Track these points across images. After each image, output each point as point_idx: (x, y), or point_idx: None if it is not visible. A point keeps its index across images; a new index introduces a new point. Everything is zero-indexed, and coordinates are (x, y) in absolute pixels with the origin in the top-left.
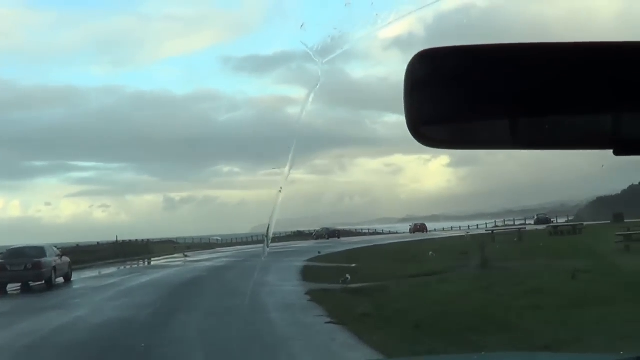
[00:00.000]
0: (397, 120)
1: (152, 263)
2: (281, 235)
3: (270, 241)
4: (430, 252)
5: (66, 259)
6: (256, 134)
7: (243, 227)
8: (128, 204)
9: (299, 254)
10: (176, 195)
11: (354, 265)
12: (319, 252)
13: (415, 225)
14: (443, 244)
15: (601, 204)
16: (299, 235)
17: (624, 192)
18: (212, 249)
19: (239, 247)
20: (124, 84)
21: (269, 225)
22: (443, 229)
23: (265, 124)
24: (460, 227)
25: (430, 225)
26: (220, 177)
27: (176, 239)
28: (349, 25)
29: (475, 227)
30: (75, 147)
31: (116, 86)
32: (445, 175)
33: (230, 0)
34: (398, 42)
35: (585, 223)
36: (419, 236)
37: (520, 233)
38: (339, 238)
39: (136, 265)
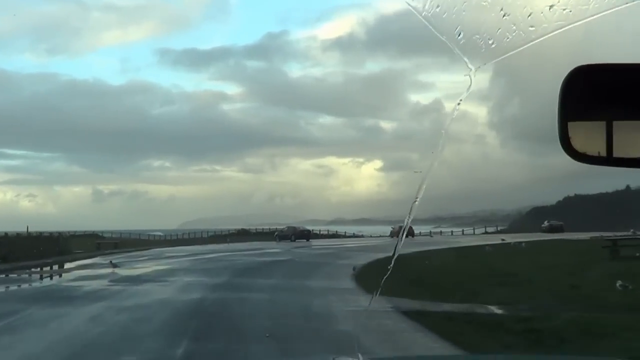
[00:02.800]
0: (332, 122)
1: (55, 278)
2: (223, 234)
3: (403, 239)
4: (619, 283)
5: None
6: (189, 129)
7: (171, 223)
8: (56, 194)
9: (313, 268)
10: (105, 188)
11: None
12: (354, 269)
13: (400, 227)
14: (534, 258)
15: (537, 214)
16: (246, 234)
17: (559, 202)
18: (147, 247)
19: (184, 249)
20: (58, 72)
21: (406, 220)
22: (420, 232)
23: (199, 119)
24: (440, 232)
25: (359, 229)
26: (151, 171)
27: (102, 232)
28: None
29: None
30: (4, 134)
31: (50, 74)
32: (377, 179)
33: None
34: (339, 44)
35: None
36: (423, 242)
37: None
38: (308, 240)
39: (19, 284)
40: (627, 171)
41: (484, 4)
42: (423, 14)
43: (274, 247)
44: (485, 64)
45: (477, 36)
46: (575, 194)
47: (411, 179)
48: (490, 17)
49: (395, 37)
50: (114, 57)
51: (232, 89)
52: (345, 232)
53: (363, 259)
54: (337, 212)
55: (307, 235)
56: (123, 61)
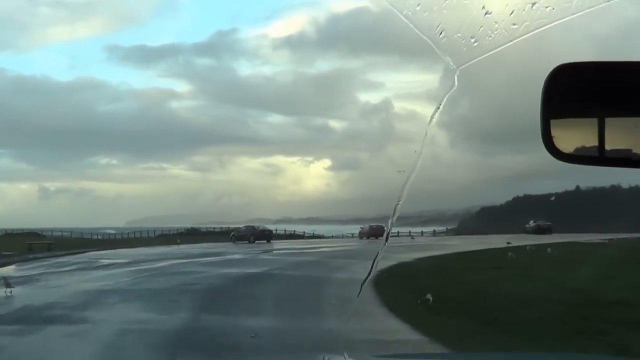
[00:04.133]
0: (281, 120)
1: None
2: (172, 233)
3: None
4: None
5: None
6: (138, 126)
7: (118, 221)
8: (2, 192)
9: (311, 289)
10: (52, 185)
11: None
12: (430, 299)
13: (370, 227)
14: (600, 271)
15: (486, 214)
16: (196, 234)
17: (508, 202)
18: (84, 250)
19: (128, 252)
20: (5, 67)
21: (390, 221)
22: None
23: (147, 117)
24: (398, 232)
25: (313, 228)
26: (98, 169)
27: (42, 230)
28: (241, 22)
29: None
30: None
31: None
32: (325, 179)
33: None
34: (289, 42)
35: None
36: (410, 245)
37: None
38: (269, 242)
39: None
40: (576, 171)
41: (465, 2)
42: (404, 13)
43: (234, 251)
44: (467, 63)
45: (459, 35)
46: (525, 194)
47: (358, 178)
48: (471, 15)
49: (346, 36)
50: (62, 53)
51: (181, 86)
52: (304, 232)
53: (361, 270)
54: (284, 211)
55: (268, 236)
56: (71, 57)
